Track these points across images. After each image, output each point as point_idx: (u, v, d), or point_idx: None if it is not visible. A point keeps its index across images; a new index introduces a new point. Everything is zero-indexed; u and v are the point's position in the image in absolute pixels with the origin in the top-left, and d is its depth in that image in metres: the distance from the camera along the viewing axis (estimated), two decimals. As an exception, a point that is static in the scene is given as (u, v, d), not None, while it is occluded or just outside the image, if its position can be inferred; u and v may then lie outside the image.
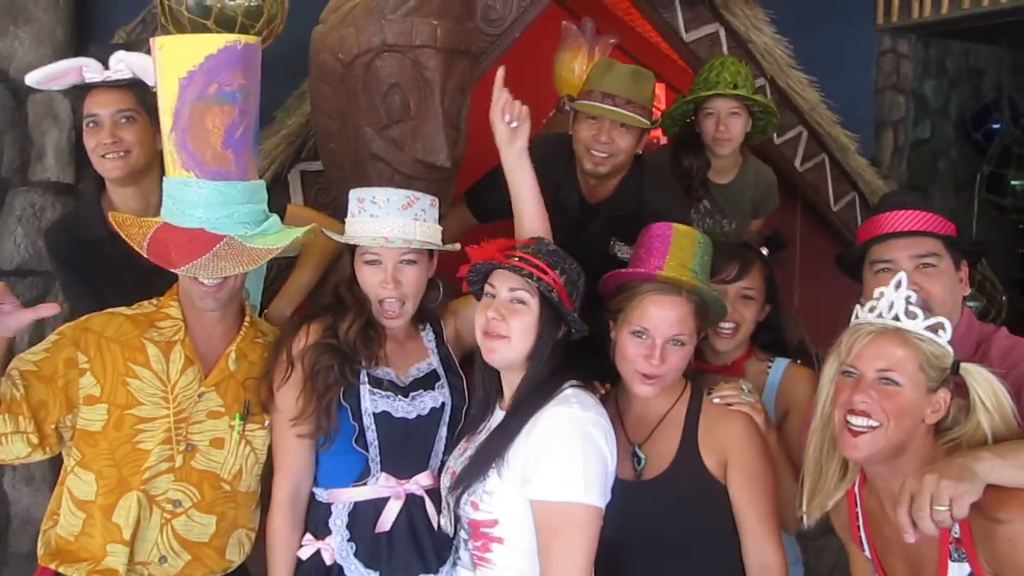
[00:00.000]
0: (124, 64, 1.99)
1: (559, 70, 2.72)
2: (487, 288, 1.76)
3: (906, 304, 1.48)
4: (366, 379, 1.81)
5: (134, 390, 1.72)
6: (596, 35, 2.72)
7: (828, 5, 4.26)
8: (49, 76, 2.02)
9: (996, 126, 4.63)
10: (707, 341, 2.03)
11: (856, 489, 1.61)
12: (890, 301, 1.49)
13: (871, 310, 1.52)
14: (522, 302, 1.70)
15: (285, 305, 2.10)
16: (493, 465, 1.67)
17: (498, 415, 1.78)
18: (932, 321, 1.48)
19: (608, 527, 1.71)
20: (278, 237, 1.74)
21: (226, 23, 2.35)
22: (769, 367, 2.09)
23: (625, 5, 3.16)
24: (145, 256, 1.70)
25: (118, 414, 1.71)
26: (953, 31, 4.60)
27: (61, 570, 1.73)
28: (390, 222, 1.80)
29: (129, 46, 2.14)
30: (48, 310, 1.64)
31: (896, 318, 1.48)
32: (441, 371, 1.90)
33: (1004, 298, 4.61)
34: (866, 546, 1.60)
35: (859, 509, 1.61)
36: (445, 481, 1.79)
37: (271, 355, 1.84)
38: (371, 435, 1.79)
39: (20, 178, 2.55)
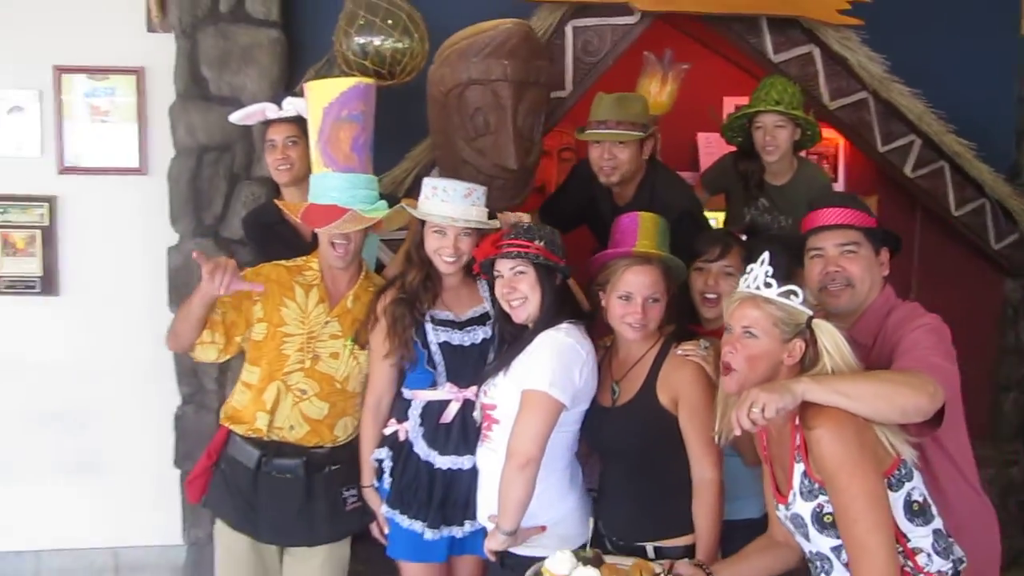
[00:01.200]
0: (292, 106, 2.92)
1: (640, 93, 3.32)
2: (496, 272, 2.46)
3: (764, 276, 1.99)
4: (430, 319, 2.56)
5: (284, 315, 2.60)
6: (672, 63, 3.30)
7: (965, 17, 4.42)
8: (246, 115, 3.02)
9: None
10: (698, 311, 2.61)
11: None
12: (755, 275, 2.01)
13: (744, 282, 2.04)
14: (521, 271, 2.39)
15: (395, 268, 2.92)
16: (502, 369, 2.38)
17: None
18: (784, 289, 1.98)
19: (592, 440, 2.42)
20: (383, 210, 2.57)
21: (380, 62, 3.20)
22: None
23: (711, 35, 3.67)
24: (300, 223, 2.59)
25: (272, 330, 2.60)
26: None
27: (232, 427, 2.67)
28: (454, 207, 2.51)
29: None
30: (256, 287, 2.56)
31: (757, 288, 2.00)
32: (492, 312, 2.61)
33: None
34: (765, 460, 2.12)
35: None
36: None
37: (368, 310, 2.63)
38: (437, 357, 2.55)
39: (245, 174, 3.57)
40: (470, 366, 2.56)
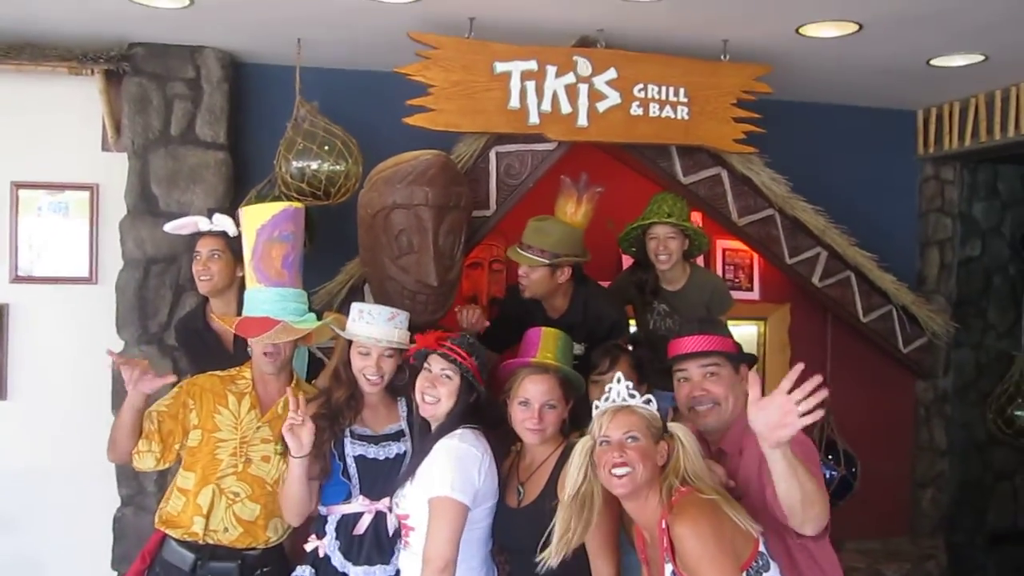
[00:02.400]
0: (220, 222, 3.17)
1: (558, 214, 3.62)
2: (426, 365, 2.66)
3: (627, 390, 2.24)
4: (349, 434, 2.74)
5: (217, 421, 2.77)
6: (587, 186, 3.60)
7: (872, 137, 4.85)
8: (178, 226, 3.25)
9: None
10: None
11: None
12: (618, 391, 2.26)
13: (606, 399, 2.27)
14: (448, 377, 2.60)
15: (323, 381, 3.12)
16: (408, 479, 2.57)
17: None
18: (645, 397, 2.24)
19: (501, 540, 2.59)
20: (313, 323, 2.78)
21: (316, 183, 3.49)
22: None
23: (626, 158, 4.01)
24: (223, 331, 2.81)
25: (206, 436, 2.77)
26: (1003, 156, 4.98)
27: (167, 532, 2.79)
28: (378, 328, 2.73)
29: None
30: (170, 379, 2.76)
31: (624, 399, 2.24)
32: (407, 430, 2.80)
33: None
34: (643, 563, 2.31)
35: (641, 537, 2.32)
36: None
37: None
38: (352, 470, 2.71)
39: (190, 284, 3.74)
40: (382, 480, 2.72)
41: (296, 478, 2.62)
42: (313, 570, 2.71)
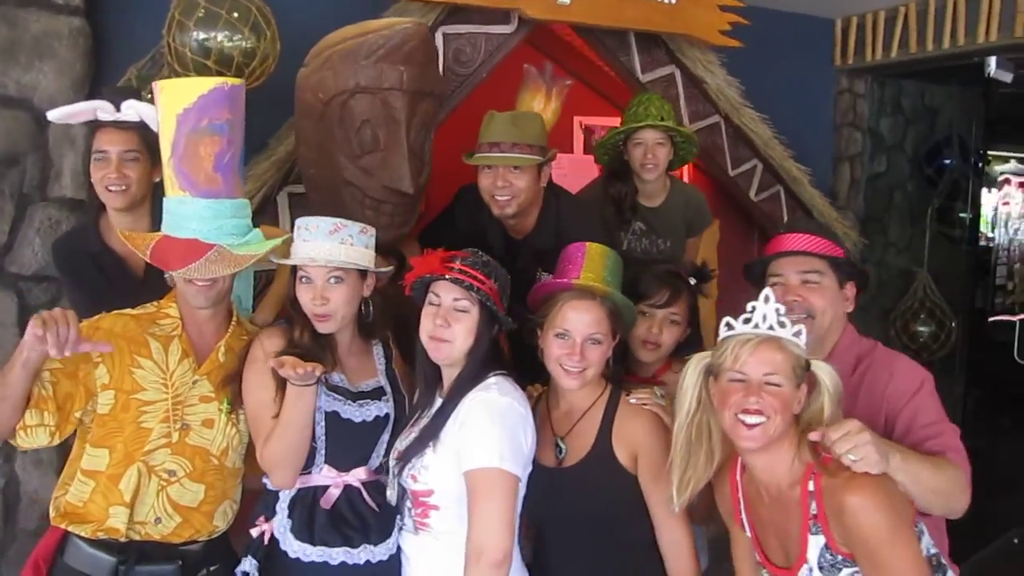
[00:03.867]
0: (134, 110, 2.33)
1: (519, 107, 3.03)
2: (431, 297, 2.05)
3: (777, 315, 1.77)
4: (323, 383, 2.08)
5: (138, 378, 2.03)
6: (554, 78, 3.05)
7: (789, 48, 4.59)
8: (68, 115, 2.37)
9: (947, 162, 4.94)
10: (633, 355, 2.35)
11: (737, 476, 1.91)
12: (763, 313, 1.77)
13: (746, 322, 1.81)
14: (464, 310, 2.01)
15: (267, 313, 2.41)
16: (430, 443, 1.98)
17: (438, 402, 2.08)
18: (796, 328, 1.78)
19: (533, 508, 2.04)
20: (259, 245, 2.06)
21: (225, 62, 2.67)
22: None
23: (588, 49, 3.49)
24: (148, 261, 2.03)
25: (124, 398, 2.01)
26: (908, 72, 4.92)
27: (70, 529, 2.03)
28: (317, 245, 2.05)
29: (137, 89, 2.49)
30: (104, 347, 1.96)
31: (771, 328, 1.77)
32: (388, 388, 2.18)
33: (953, 324, 4.92)
34: (747, 526, 1.90)
35: (740, 494, 1.90)
36: (393, 461, 2.10)
37: (238, 361, 2.12)
38: (319, 430, 2.06)
39: (40, 194, 2.88)
40: (356, 448, 2.12)
41: (304, 415, 2.01)
42: (256, 563, 2.07)
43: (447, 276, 2.01)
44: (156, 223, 2.38)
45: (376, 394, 2.15)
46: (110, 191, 2.37)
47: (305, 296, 2.07)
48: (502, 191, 2.60)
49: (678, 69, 3.64)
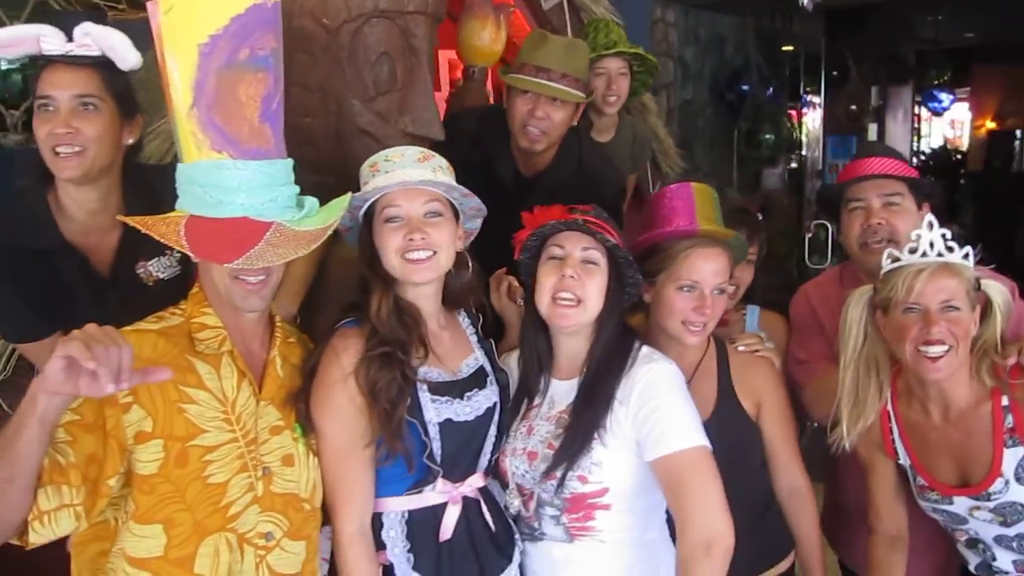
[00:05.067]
0: (91, 39, 1.64)
1: (466, 38, 2.63)
2: (553, 250, 1.72)
3: (944, 240, 1.71)
4: (424, 386, 1.67)
5: (192, 416, 1.46)
6: (497, 5, 2.69)
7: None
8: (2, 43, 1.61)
9: (745, 88, 5.27)
10: None
11: (889, 407, 1.85)
12: (929, 240, 1.70)
13: (912, 251, 1.73)
14: (594, 263, 1.70)
15: (288, 303, 1.86)
16: (595, 436, 1.67)
17: (558, 385, 1.77)
18: (966, 250, 1.73)
19: None
20: (323, 216, 1.56)
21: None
22: (744, 314, 2.29)
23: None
24: (191, 256, 1.45)
25: (179, 448, 1.44)
26: (705, 3, 5.14)
27: None
28: (408, 172, 1.64)
29: (97, 7, 1.76)
30: (163, 373, 1.32)
31: (940, 254, 1.70)
32: (488, 367, 1.81)
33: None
34: (903, 454, 1.86)
35: (893, 424, 1.85)
36: (518, 464, 1.75)
37: (307, 376, 1.64)
38: (435, 445, 1.65)
39: None
40: (468, 452, 1.73)
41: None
42: None
43: (576, 221, 1.69)
44: (132, 203, 1.76)
45: (479, 379, 1.76)
46: (60, 156, 1.67)
47: (393, 239, 1.64)
48: (539, 122, 2.27)
49: (567, -3, 3.42)
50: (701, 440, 1.62)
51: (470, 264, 1.79)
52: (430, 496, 1.68)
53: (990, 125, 12.03)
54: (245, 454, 1.51)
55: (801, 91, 5.82)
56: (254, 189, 1.47)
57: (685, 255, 1.85)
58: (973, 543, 1.84)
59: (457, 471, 1.71)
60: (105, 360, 1.19)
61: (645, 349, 1.74)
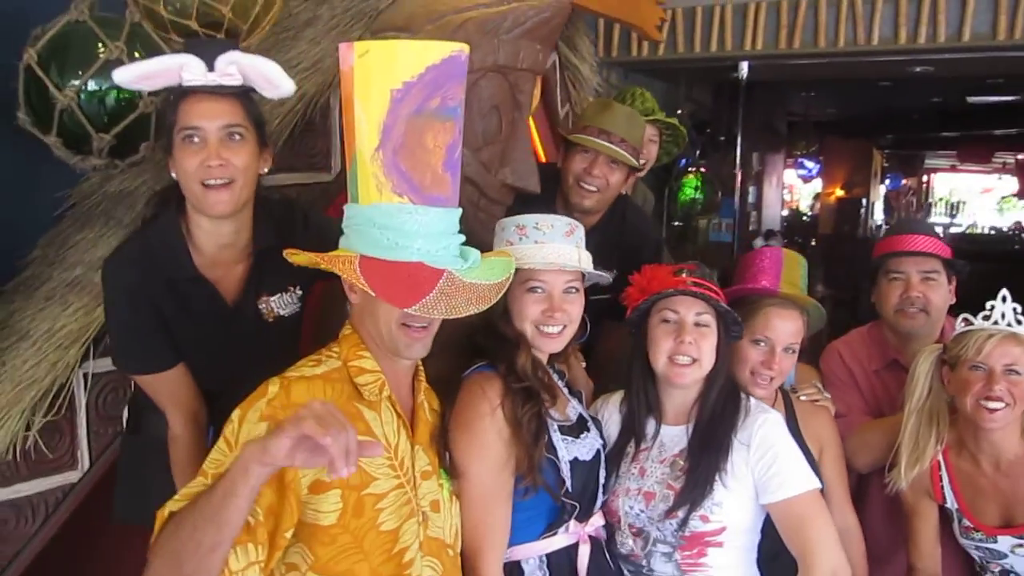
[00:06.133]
0: (236, 67, 1.62)
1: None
2: (667, 314, 1.84)
3: (1014, 313, 1.97)
4: (555, 425, 1.75)
5: (364, 464, 1.45)
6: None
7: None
8: (141, 76, 1.59)
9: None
10: None
11: (940, 458, 2.07)
12: (1002, 312, 1.96)
13: (985, 318, 1.98)
14: (706, 325, 1.84)
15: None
16: (717, 478, 1.78)
17: (668, 430, 1.89)
18: None
19: None
20: (491, 270, 1.59)
21: (214, 16, 1.96)
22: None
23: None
24: (372, 294, 1.44)
25: (355, 497, 1.43)
26: (642, 67, 5.46)
27: None
28: (556, 248, 1.75)
29: (235, 37, 1.73)
30: (377, 450, 1.33)
31: (1009, 324, 1.96)
32: (585, 414, 1.90)
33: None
34: (951, 498, 2.07)
35: (943, 472, 2.07)
36: (632, 504, 1.84)
37: (438, 417, 1.68)
38: (569, 483, 1.73)
39: None
40: (589, 491, 1.81)
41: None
42: None
43: (687, 291, 1.81)
44: (260, 237, 1.73)
45: (583, 424, 1.85)
46: (209, 186, 1.63)
47: (532, 310, 1.73)
48: (594, 180, 2.40)
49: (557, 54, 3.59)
50: (816, 483, 1.78)
51: (588, 326, 1.87)
52: (562, 538, 1.75)
53: (839, 193, 13.19)
54: (412, 499, 1.51)
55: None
56: (431, 235, 1.49)
57: (764, 312, 2.01)
58: (1005, 574, 2.07)
59: (584, 510, 1.77)
60: (338, 442, 1.19)
61: (753, 400, 1.88)
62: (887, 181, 15.33)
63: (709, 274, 1.90)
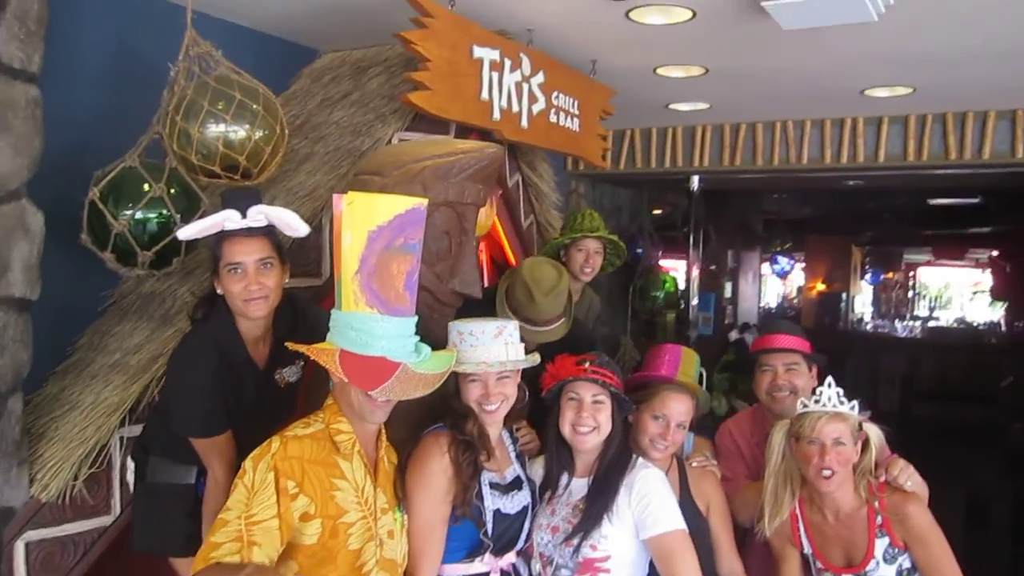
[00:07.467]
0: (263, 216, 2.23)
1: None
2: (570, 394, 2.40)
3: (838, 396, 2.50)
4: (487, 480, 2.28)
5: (339, 501, 2.00)
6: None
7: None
8: (201, 230, 2.20)
9: (639, 251, 6.22)
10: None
11: (797, 510, 2.58)
12: (828, 396, 2.49)
13: (816, 401, 2.50)
14: (601, 401, 2.39)
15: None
16: (605, 516, 2.31)
17: (576, 482, 2.42)
18: (853, 403, 2.53)
19: None
20: (436, 363, 2.15)
21: (235, 154, 2.61)
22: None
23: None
24: (345, 380, 2.01)
25: (331, 524, 1.98)
26: (605, 178, 6.13)
27: None
28: (486, 350, 2.29)
29: (256, 191, 2.34)
30: None
31: (835, 405, 2.49)
32: (523, 476, 2.43)
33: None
34: (806, 545, 2.58)
35: (800, 523, 2.58)
36: (542, 536, 2.38)
37: (392, 467, 2.22)
38: (490, 528, 2.26)
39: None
40: (510, 536, 2.33)
41: None
42: None
43: (585, 377, 2.37)
44: (276, 328, 2.30)
45: (518, 484, 2.38)
46: (251, 303, 2.22)
47: (474, 394, 2.28)
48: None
49: (521, 175, 4.23)
50: (683, 524, 2.30)
51: (527, 392, 2.42)
52: (479, 565, 2.27)
53: (820, 287, 13.78)
54: (372, 527, 2.04)
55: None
56: (392, 337, 2.05)
57: (661, 393, 2.57)
58: None
59: (500, 549, 2.29)
60: None
61: (640, 459, 2.41)
62: (867, 276, 16.00)
63: (608, 362, 2.45)
